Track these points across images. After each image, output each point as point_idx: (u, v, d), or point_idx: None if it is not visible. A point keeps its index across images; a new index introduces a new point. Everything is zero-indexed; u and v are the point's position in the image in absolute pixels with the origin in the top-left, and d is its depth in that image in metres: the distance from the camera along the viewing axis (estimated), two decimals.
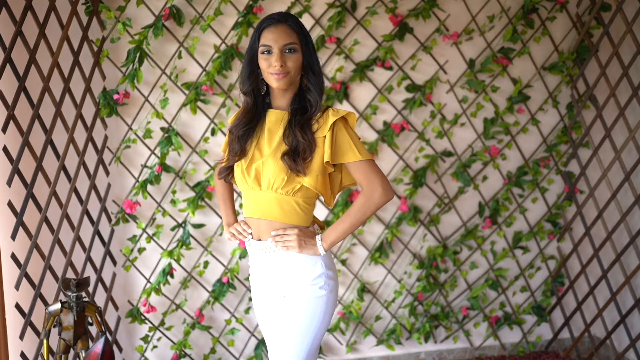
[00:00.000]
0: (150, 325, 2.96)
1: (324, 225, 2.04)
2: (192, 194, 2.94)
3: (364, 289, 3.16)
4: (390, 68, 3.02)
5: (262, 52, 1.84)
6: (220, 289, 3.00)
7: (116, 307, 2.91)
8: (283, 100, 1.91)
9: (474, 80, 3.09)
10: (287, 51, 1.83)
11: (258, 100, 1.93)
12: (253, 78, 1.90)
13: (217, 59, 2.82)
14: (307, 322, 1.89)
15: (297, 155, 1.82)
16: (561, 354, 3.35)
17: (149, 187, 2.90)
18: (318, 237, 1.90)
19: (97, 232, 2.80)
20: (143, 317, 2.93)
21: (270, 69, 1.83)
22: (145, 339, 2.97)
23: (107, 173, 2.84)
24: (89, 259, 2.77)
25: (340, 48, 2.96)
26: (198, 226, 2.94)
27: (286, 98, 1.91)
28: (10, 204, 2.51)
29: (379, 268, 3.20)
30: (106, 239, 2.85)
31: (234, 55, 2.84)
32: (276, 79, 1.84)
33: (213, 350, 3.06)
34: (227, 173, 2.00)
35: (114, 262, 2.89)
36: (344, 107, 3.01)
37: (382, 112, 3.08)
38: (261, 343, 3.08)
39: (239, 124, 1.94)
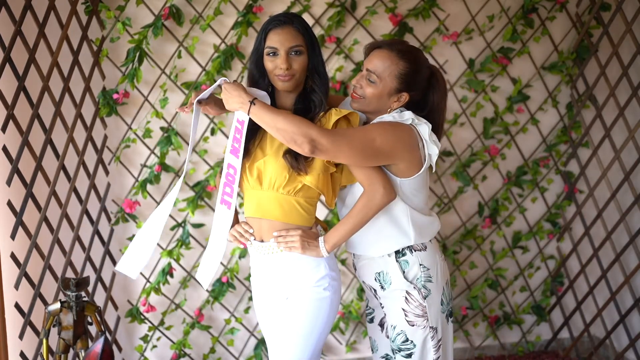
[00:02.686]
0: (150, 324, 2.96)
1: (327, 226, 2.04)
2: (191, 193, 2.94)
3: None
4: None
5: (268, 54, 1.84)
6: (220, 289, 3.00)
7: (116, 307, 2.91)
8: (287, 100, 1.92)
9: (474, 80, 3.09)
10: (293, 53, 1.83)
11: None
12: (260, 80, 1.90)
13: (217, 58, 2.82)
14: (311, 324, 1.88)
15: (298, 153, 1.82)
16: (560, 354, 3.35)
17: (149, 187, 2.90)
18: (321, 239, 1.90)
19: (96, 232, 2.80)
20: (142, 317, 2.93)
21: (276, 70, 1.83)
22: (145, 338, 2.97)
23: (107, 173, 2.84)
24: (88, 258, 2.77)
25: (340, 48, 2.96)
26: (198, 226, 2.94)
27: (290, 98, 1.91)
28: (9, 204, 2.51)
29: None
30: (106, 238, 2.85)
31: (234, 55, 2.84)
32: (282, 81, 1.84)
33: (213, 350, 3.06)
34: None
35: (114, 262, 2.89)
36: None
37: None
38: (261, 343, 3.08)
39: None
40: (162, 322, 2.98)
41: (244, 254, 2.98)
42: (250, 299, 3.08)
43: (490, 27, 3.10)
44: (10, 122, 2.50)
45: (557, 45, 3.15)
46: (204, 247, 2.97)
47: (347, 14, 2.95)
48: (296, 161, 1.82)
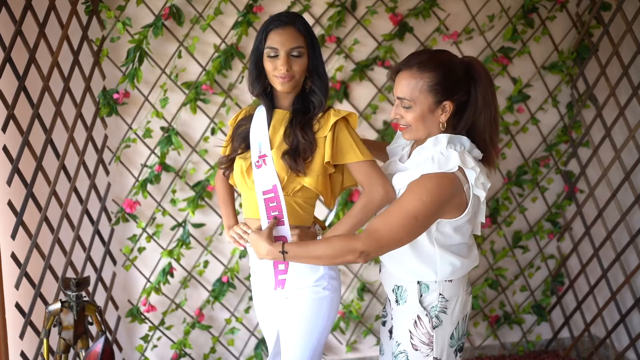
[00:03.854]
0: (150, 324, 2.97)
1: (325, 225, 2.04)
2: (192, 193, 2.94)
3: (364, 289, 3.16)
4: (390, 67, 3.02)
5: (268, 54, 1.82)
6: (220, 289, 3.00)
7: (116, 307, 2.91)
8: (286, 100, 1.91)
9: None
10: (293, 54, 1.81)
11: (267, 101, 1.92)
12: (261, 80, 1.88)
13: (217, 58, 2.82)
14: (312, 323, 1.88)
15: (297, 155, 1.81)
16: (561, 354, 3.35)
17: (149, 187, 2.90)
18: (319, 238, 1.89)
19: (97, 232, 2.80)
20: (143, 317, 2.94)
21: (276, 72, 1.81)
22: (145, 338, 2.97)
23: (107, 172, 2.84)
24: (89, 258, 2.77)
25: (340, 47, 2.96)
26: (198, 226, 2.94)
27: (289, 98, 1.90)
28: (10, 204, 2.51)
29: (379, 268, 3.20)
30: (106, 238, 2.85)
31: (234, 55, 2.84)
32: (281, 82, 1.82)
33: (213, 350, 3.06)
34: (228, 165, 1.99)
35: (114, 262, 2.89)
36: (344, 107, 3.01)
37: (382, 111, 3.08)
38: (261, 342, 3.09)
39: (248, 122, 1.94)
40: (162, 322, 2.98)
41: (244, 254, 2.98)
42: (251, 298, 3.08)
43: (491, 27, 3.10)
44: (11, 122, 2.50)
45: (558, 45, 3.15)
46: (204, 247, 2.97)
47: (347, 13, 2.95)
48: (295, 162, 1.81)
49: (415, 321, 1.81)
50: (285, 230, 1.85)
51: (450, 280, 1.79)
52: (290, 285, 1.91)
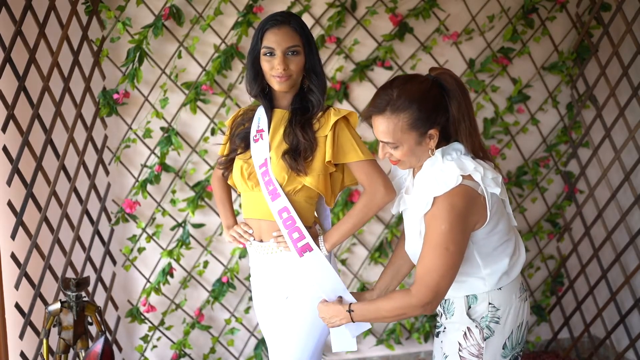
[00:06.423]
0: (150, 325, 2.96)
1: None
2: (192, 193, 2.94)
3: (364, 289, 3.16)
4: (390, 68, 3.02)
5: (265, 54, 1.82)
6: (220, 289, 3.00)
7: (116, 307, 2.91)
8: (284, 100, 1.91)
9: (474, 80, 3.09)
10: (289, 54, 1.81)
11: (265, 101, 1.92)
12: (259, 80, 1.88)
13: (217, 58, 2.82)
14: (311, 323, 1.88)
15: (297, 154, 1.81)
16: (561, 354, 3.35)
17: (149, 187, 2.90)
18: (320, 238, 1.89)
19: (96, 232, 2.80)
20: (143, 317, 2.94)
21: (273, 71, 1.81)
22: (145, 338, 2.97)
23: (107, 173, 2.84)
24: (88, 258, 2.77)
25: (340, 48, 2.96)
26: (198, 226, 2.94)
27: (287, 98, 1.90)
28: (10, 204, 2.51)
29: (379, 268, 3.20)
30: (106, 238, 2.85)
31: (234, 55, 2.84)
32: (278, 82, 1.82)
33: (213, 350, 3.06)
34: (227, 166, 1.99)
35: (114, 262, 2.89)
36: (343, 107, 3.00)
37: None
38: (261, 343, 3.09)
39: (247, 122, 1.94)
40: (162, 322, 2.98)
41: (244, 254, 2.98)
42: (251, 299, 3.08)
43: (491, 27, 3.10)
44: (11, 122, 2.50)
45: (558, 46, 3.15)
46: (204, 247, 2.97)
47: (347, 14, 2.95)
48: (295, 162, 1.81)
49: (465, 333, 1.74)
50: (307, 238, 1.85)
51: (500, 288, 1.73)
52: (290, 285, 1.91)
